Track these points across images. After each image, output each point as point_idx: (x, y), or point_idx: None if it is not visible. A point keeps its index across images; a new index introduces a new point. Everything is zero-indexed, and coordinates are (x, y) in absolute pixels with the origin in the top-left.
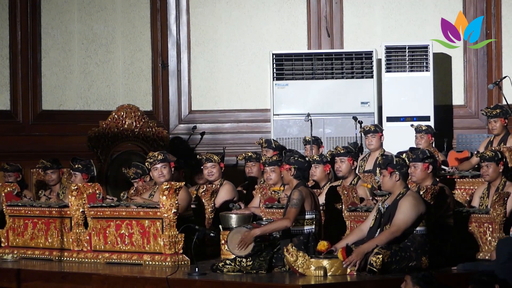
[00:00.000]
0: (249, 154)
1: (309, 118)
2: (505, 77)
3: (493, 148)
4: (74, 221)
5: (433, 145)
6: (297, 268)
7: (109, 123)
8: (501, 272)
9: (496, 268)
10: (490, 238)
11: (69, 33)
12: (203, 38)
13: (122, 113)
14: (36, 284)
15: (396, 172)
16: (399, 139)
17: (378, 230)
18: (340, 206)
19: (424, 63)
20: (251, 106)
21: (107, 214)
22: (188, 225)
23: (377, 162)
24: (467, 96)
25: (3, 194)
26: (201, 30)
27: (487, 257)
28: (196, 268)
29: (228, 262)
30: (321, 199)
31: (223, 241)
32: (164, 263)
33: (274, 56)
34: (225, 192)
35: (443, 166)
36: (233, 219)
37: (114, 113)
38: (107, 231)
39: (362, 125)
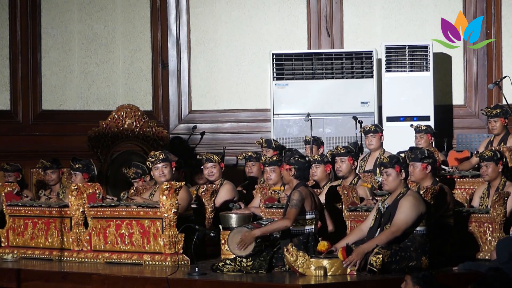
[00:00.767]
0: (249, 154)
1: (309, 118)
2: (505, 77)
3: (493, 148)
4: (74, 221)
5: (433, 145)
6: (297, 268)
7: (109, 123)
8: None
9: None
10: (490, 238)
11: (69, 33)
12: (203, 38)
13: (122, 113)
14: (36, 284)
15: (403, 171)
16: (399, 139)
17: (378, 230)
18: (340, 206)
19: (424, 63)
20: (251, 106)
21: (107, 214)
22: (188, 225)
23: (377, 162)
24: (467, 96)
25: (3, 194)
26: (201, 30)
27: (487, 257)
28: (196, 268)
29: (228, 262)
30: (321, 199)
31: (223, 241)
32: (164, 263)
33: (274, 56)
34: (225, 192)
35: (443, 166)
36: (233, 219)
37: (114, 113)
38: (107, 231)
39: (362, 125)
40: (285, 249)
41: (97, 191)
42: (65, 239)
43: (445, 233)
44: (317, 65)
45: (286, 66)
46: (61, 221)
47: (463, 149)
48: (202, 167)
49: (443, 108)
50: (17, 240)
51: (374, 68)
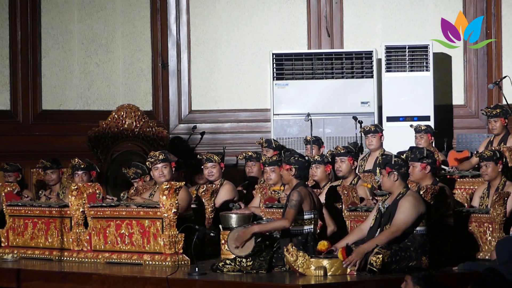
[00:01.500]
0: (249, 153)
1: (309, 118)
2: (505, 77)
3: (493, 148)
4: (74, 221)
5: (433, 145)
6: (297, 268)
7: (109, 123)
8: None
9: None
10: (490, 238)
11: (69, 33)
12: (203, 38)
13: (122, 113)
14: (36, 284)
15: (394, 172)
16: (399, 139)
17: (378, 230)
18: (340, 206)
19: (424, 63)
20: (251, 106)
21: (107, 214)
22: (188, 225)
23: (377, 162)
24: (467, 96)
25: (3, 194)
26: (201, 30)
27: (487, 257)
28: (196, 268)
29: (228, 262)
30: (321, 199)
31: (223, 241)
32: (164, 263)
33: (274, 56)
34: (225, 192)
35: (443, 166)
36: (233, 219)
37: (114, 113)
38: (107, 231)
39: (362, 125)
40: (285, 249)
41: (97, 191)
42: (65, 239)
43: (445, 233)
44: (317, 65)
45: (286, 66)
46: (61, 221)
47: (463, 149)
48: (202, 167)
49: (443, 108)
50: (17, 240)
51: (374, 68)
